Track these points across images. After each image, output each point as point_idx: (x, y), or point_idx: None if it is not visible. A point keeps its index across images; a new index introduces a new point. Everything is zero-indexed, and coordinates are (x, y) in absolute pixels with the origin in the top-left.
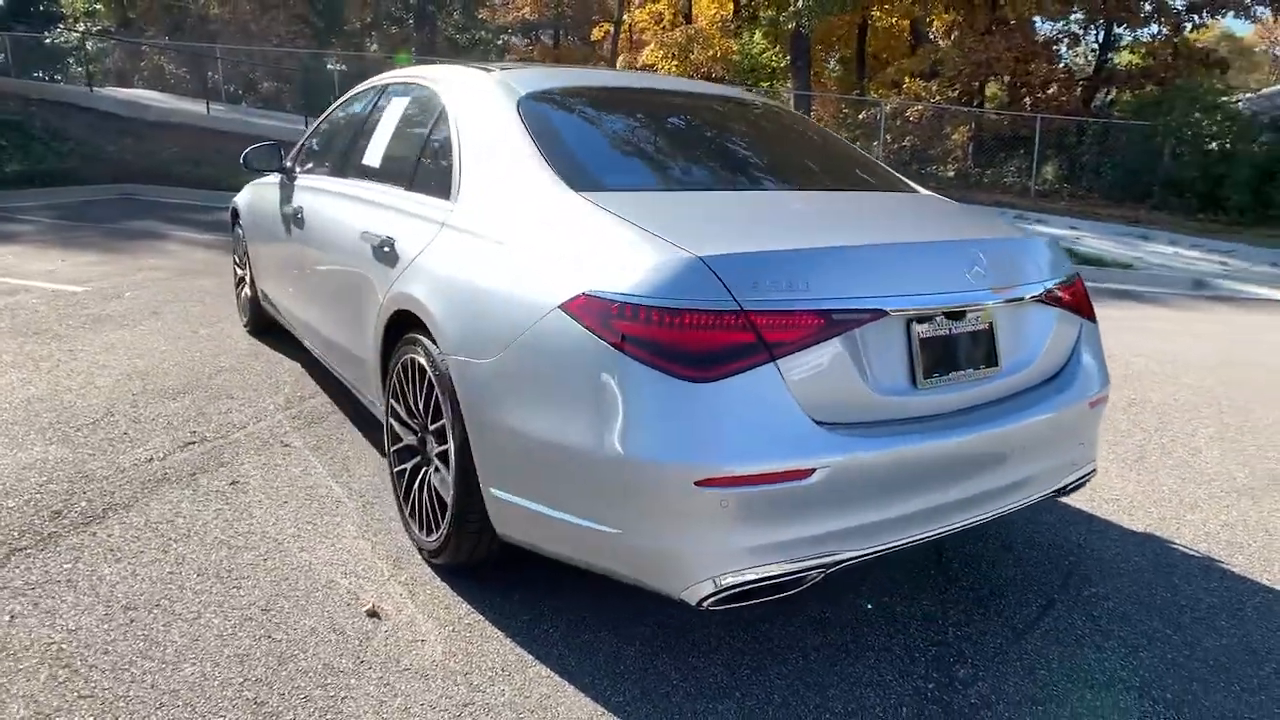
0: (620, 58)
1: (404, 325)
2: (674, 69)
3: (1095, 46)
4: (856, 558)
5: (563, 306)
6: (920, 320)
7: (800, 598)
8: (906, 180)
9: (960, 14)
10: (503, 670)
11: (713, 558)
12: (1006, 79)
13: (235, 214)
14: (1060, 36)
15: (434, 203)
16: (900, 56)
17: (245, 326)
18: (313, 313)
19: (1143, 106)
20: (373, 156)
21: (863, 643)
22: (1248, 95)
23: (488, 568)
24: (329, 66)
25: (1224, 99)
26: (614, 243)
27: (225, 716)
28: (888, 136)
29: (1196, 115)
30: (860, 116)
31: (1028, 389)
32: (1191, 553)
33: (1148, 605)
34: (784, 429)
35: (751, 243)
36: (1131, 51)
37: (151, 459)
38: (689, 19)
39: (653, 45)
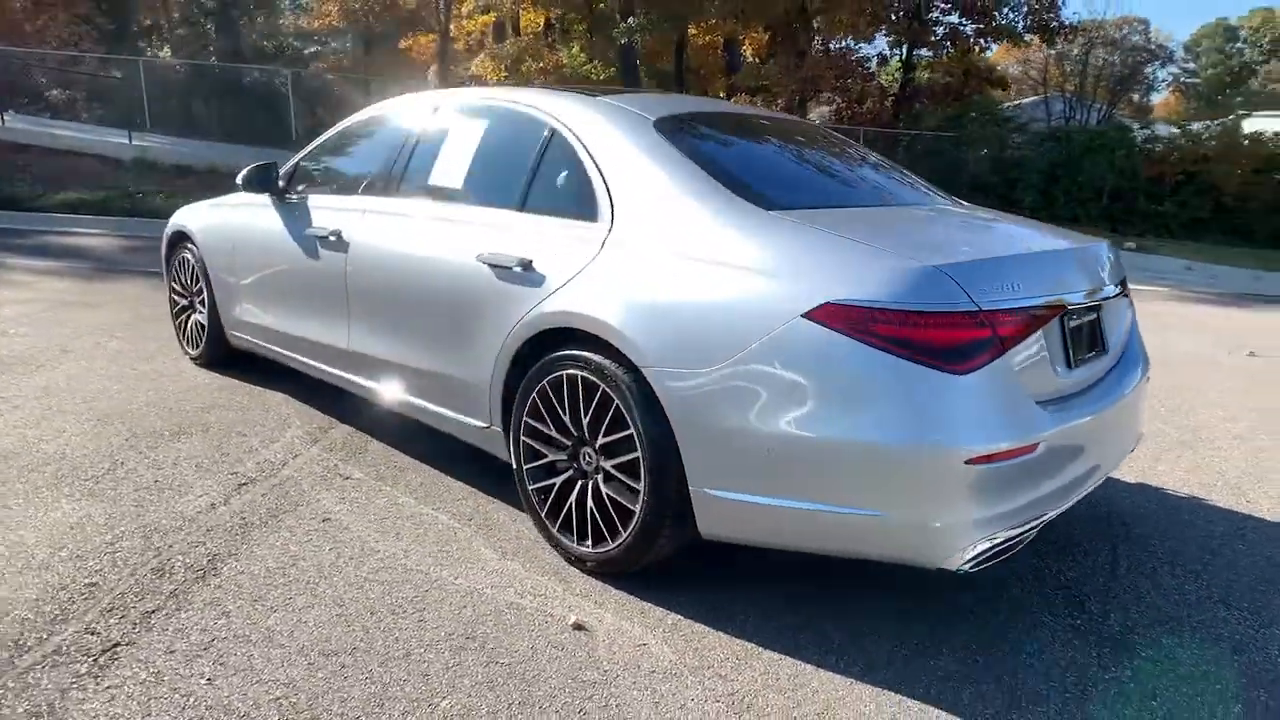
0: (431, 68)
1: (548, 344)
2: (503, 78)
3: (899, 66)
4: (1050, 518)
5: (806, 315)
6: (1072, 313)
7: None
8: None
9: (777, 36)
10: (739, 659)
11: (971, 527)
12: (827, 95)
13: (178, 239)
14: (870, 57)
15: (578, 224)
16: (716, 72)
17: (195, 359)
18: (364, 339)
19: (947, 119)
20: (449, 178)
21: (1009, 599)
22: (1005, 105)
23: (652, 570)
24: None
25: (1005, 110)
26: (845, 255)
27: None
28: None
29: (995, 128)
30: None
31: (1113, 367)
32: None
33: (1189, 539)
34: (1020, 410)
35: (956, 254)
36: (931, 70)
37: (214, 505)
38: (518, 30)
39: (482, 56)
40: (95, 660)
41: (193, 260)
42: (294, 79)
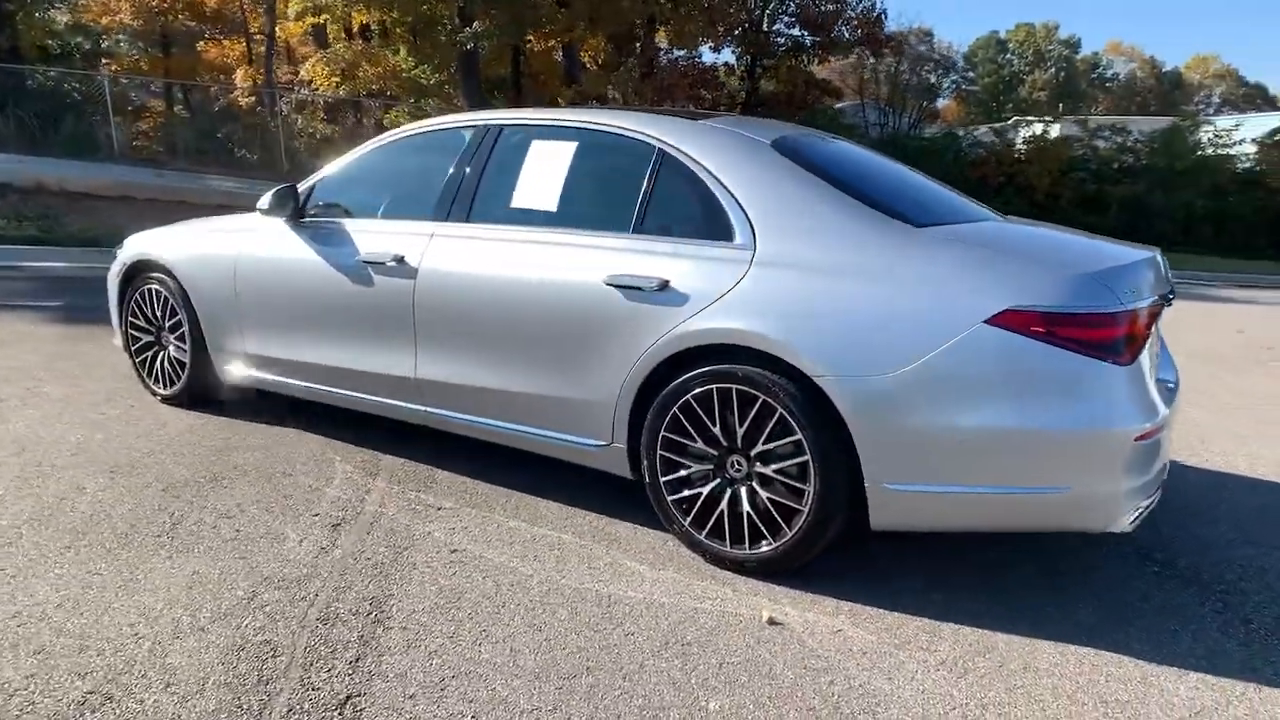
0: (239, 71)
1: (686, 361)
2: (333, 84)
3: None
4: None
5: (988, 321)
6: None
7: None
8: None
9: (621, 44)
10: (928, 634)
11: (1135, 494)
12: (682, 102)
13: (138, 269)
14: (716, 66)
15: (714, 245)
16: (554, 79)
17: (168, 398)
18: (438, 366)
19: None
20: (539, 202)
21: (1129, 569)
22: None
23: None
24: None
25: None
26: (1014, 267)
27: None
28: None
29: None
30: None
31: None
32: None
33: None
34: (1154, 394)
35: (1097, 263)
36: (776, 80)
37: (324, 548)
38: (350, 34)
39: (314, 60)
40: (341, 713)
41: (166, 292)
42: (109, 84)
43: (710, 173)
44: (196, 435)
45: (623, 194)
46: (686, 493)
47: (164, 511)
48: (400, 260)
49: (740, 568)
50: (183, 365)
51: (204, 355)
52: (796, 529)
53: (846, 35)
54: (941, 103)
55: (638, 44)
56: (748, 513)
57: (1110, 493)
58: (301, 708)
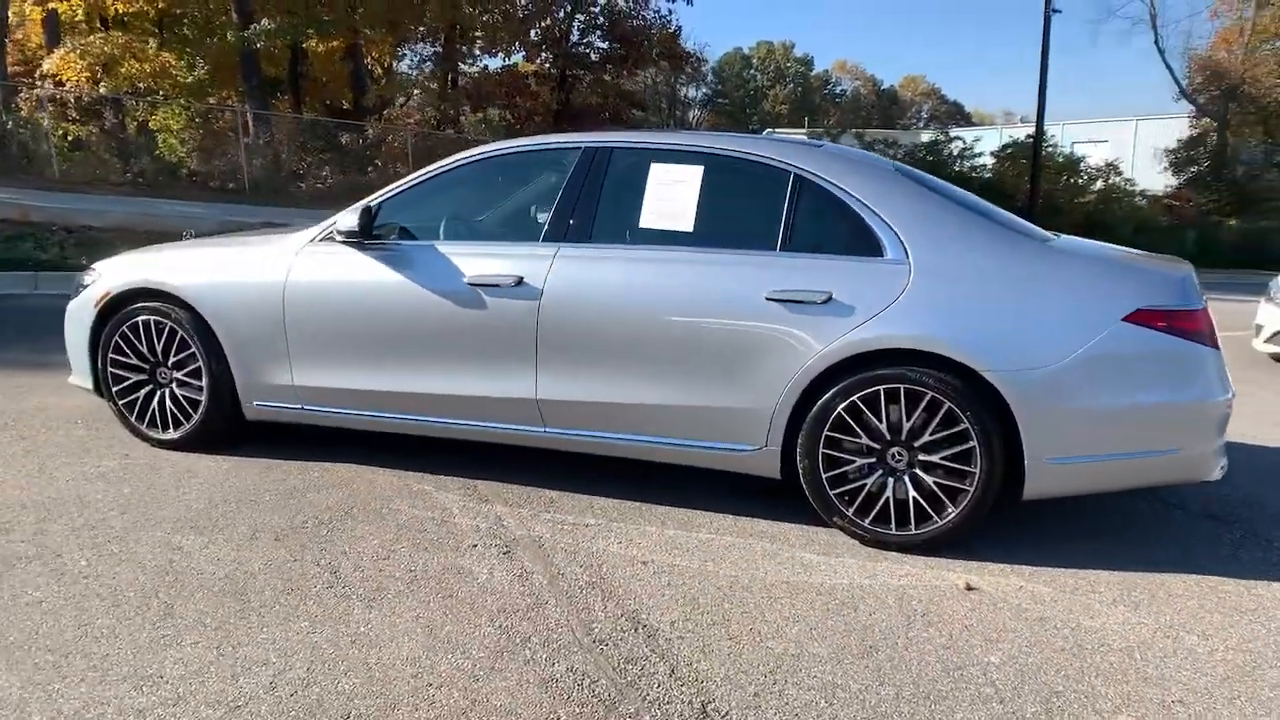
0: None
1: (847, 367)
2: (84, 79)
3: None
4: None
5: (1125, 319)
6: None
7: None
8: None
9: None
10: (1091, 582)
11: (1220, 451)
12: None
13: (128, 299)
14: (528, 75)
15: (868, 260)
16: (338, 81)
17: (171, 442)
18: (567, 385)
19: None
20: (672, 223)
21: (1167, 515)
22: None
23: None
24: None
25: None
26: (1133, 274)
27: (1093, 685)
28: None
29: None
30: (343, 140)
31: None
32: None
33: None
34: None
35: (1175, 268)
36: (587, 91)
37: (520, 575)
38: (106, 24)
39: (64, 51)
40: (706, 717)
41: (171, 324)
42: None
43: (851, 194)
44: (245, 479)
45: (763, 215)
46: (849, 486)
47: (306, 563)
48: (520, 282)
49: (904, 548)
50: (194, 404)
51: (226, 392)
52: (962, 507)
53: (654, 51)
54: (693, 115)
55: (436, 50)
56: (913, 498)
57: (1206, 450)
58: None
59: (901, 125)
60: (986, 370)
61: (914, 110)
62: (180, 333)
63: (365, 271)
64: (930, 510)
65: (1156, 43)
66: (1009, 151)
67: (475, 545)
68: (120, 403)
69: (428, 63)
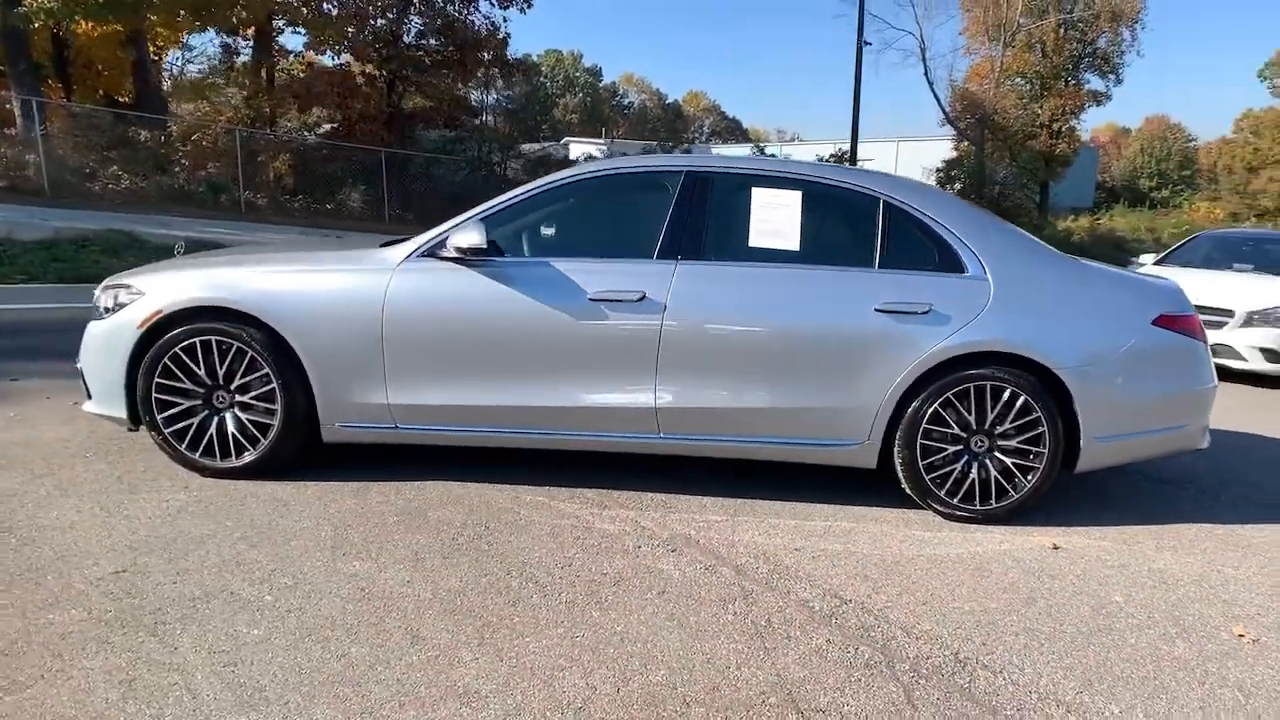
0: None
1: (940, 368)
2: None
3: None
4: None
5: (1153, 323)
6: None
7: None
8: None
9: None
10: (1134, 536)
11: (1208, 425)
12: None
13: (173, 320)
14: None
15: (953, 276)
16: (115, 69)
17: (231, 471)
18: (685, 393)
19: (446, 142)
20: (778, 242)
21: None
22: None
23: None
24: None
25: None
26: (1150, 285)
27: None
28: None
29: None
30: (142, 136)
31: None
32: None
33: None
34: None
35: (1168, 283)
36: (421, 95)
37: (730, 575)
38: None
39: None
40: None
41: (240, 345)
42: None
43: (932, 218)
44: (347, 504)
45: (859, 236)
46: (939, 471)
47: (498, 575)
48: (643, 297)
49: (987, 520)
50: (263, 429)
51: (303, 413)
52: (1033, 482)
53: (486, 56)
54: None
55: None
56: (993, 477)
57: (1202, 425)
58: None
59: (686, 139)
60: (1057, 368)
61: (697, 125)
62: (250, 353)
63: (478, 287)
64: (1007, 486)
65: (926, 74)
66: None
67: (640, 546)
68: (165, 432)
69: (240, 55)
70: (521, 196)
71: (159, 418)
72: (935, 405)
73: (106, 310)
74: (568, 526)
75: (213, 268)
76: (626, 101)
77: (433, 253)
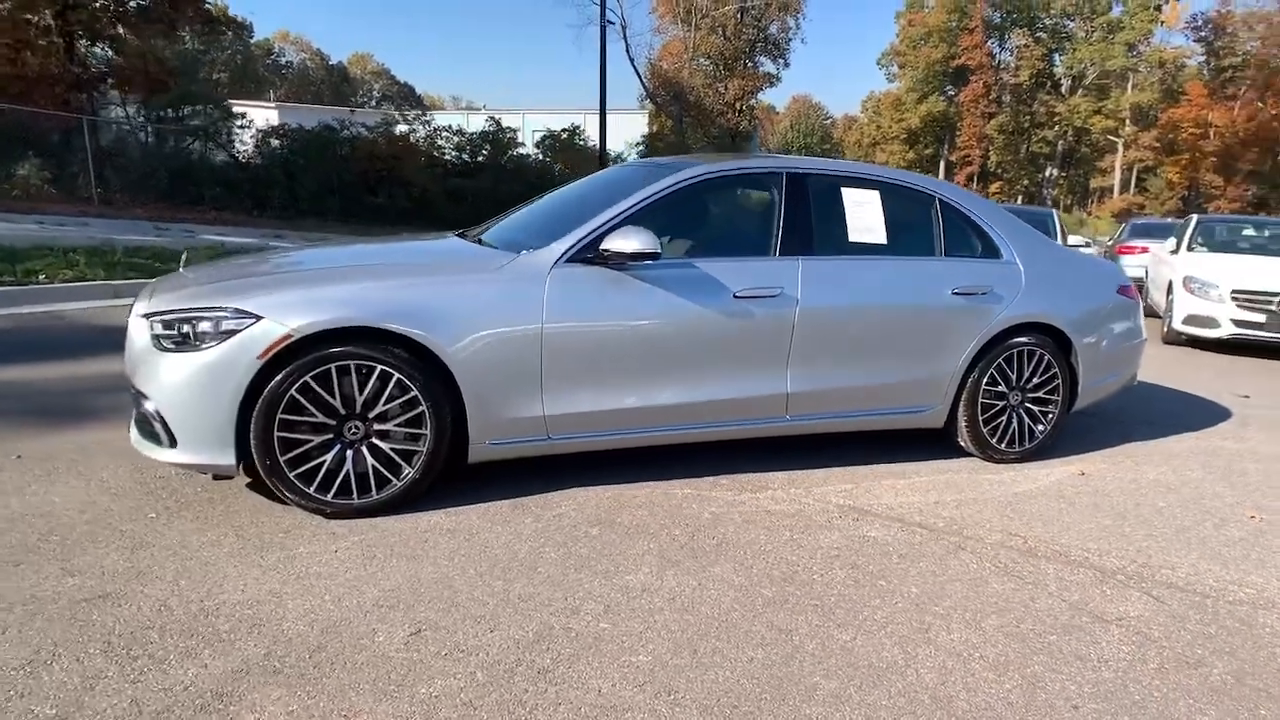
0: None
1: (996, 340)
2: None
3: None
4: None
5: (1117, 291)
6: None
7: None
8: None
9: None
10: (1131, 456)
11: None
12: None
13: (317, 340)
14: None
15: (996, 261)
16: None
17: (362, 509)
18: (810, 379)
19: (156, 109)
20: (869, 236)
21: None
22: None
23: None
24: None
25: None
26: (1108, 265)
27: None
28: None
29: (225, 123)
30: None
31: None
32: None
33: None
34: None
35: (1111, 261)
36: (116, 52)
37: (892, 541)
38: None
39: None
40: None
41: (388, 368)
42: None
43: (975, 213)
44: (528, 522)
45: (924, 229)
46: (992, 423)
47: (785, 573)
48: (780, 292)
49: (1021, 459)
50: (409, 456)
51: (450, 437)
52: (1053, 422)
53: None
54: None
55: None
56: (1027, 423)
57: (1137, 369)
58: None
59: (355, 103)
60: (1069, 331)
61: (365, 89)
62: (396, 376)
63: (634, 290)
64: (1035, 429)
65: (627, 51)
66: (550, 143)
67: (831, 521)
68: (289, 475)
69: None
70: (651, 198)
71: (282, 460)
72: (992, 370)
73: (201, 339)
74: (751, 513)
75: (336, 282)
76: (284, 60)
77: (582, 256)
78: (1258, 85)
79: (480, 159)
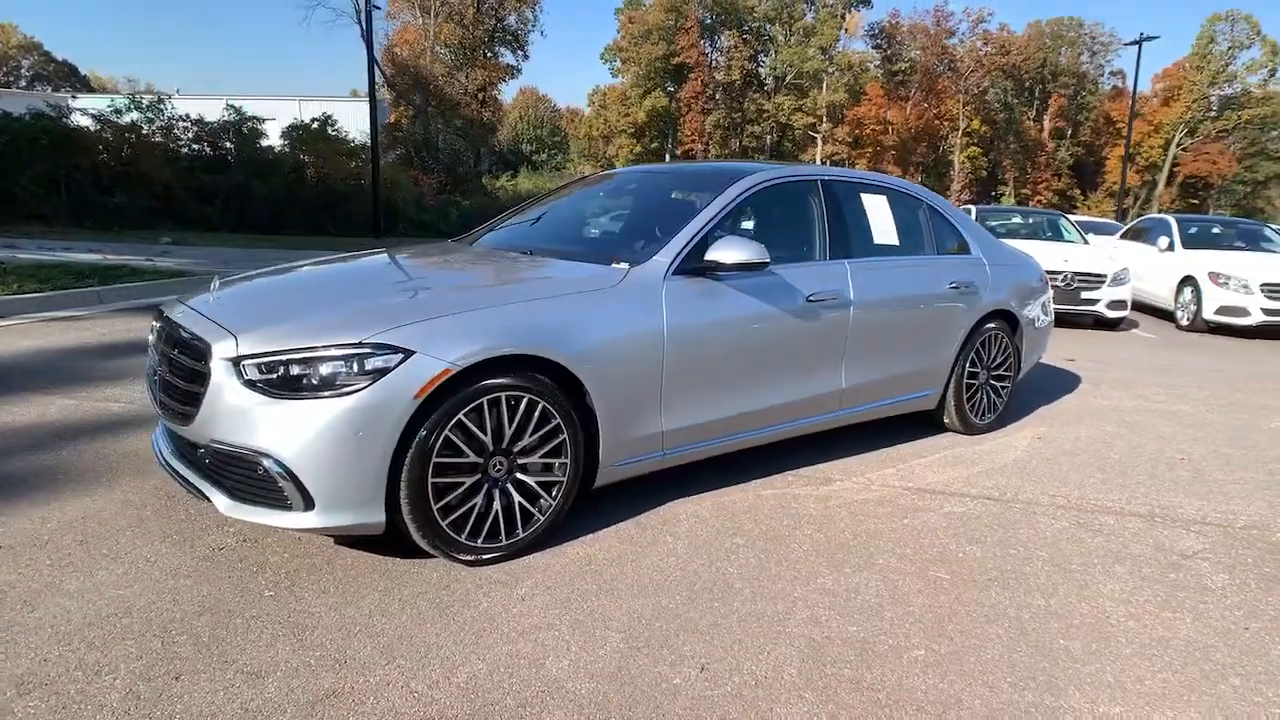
0: None
1: (977, 326)
2: None
3: None
4: None
5: (1039, 280)
6: None
7: None
8: None
9: None
10: (1078, 420)
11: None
12: None
13: (473, 372)
14: None
15: (967, 257)
16: None
17: (515, 546)
18: (859, 373)
19: None
20: (885, 238)
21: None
22: None
23: None
24: None
25: None
26: (1028, 255)
27: None
28: None
29: None
30: None
31: None
32: None
33: None
34: None
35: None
36: None
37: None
38: None
39: None
40: None
41: (532, 396)
42: None
43: (948, 214)
44: (662, 551)
45: (919, 231)
46: (971, 400)
47: (940, 574)
48: (838, 295)
49: (987, 429)
50: (551, 488)
51: (585, 465)
52: (1007, 396)
53: None
54: None
55: None
56: (991, 398)
57: (1046, 348)
58: None
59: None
60: (1019, 315)
61: (11, 66)
62: (541, 404)
63: (735, 298)
64: (997, 402)
65: (364, 35)
66: (299, 134)
67: (924, 508)
68: (446, 522)
69: None
70: (729, 206)
71: (435, 508)
72: (972, 352)
73: (330, 382)
74: (846, 505)
75: (474, 308)
76: None
77: (686, 267)
78: (923, 88)
79: (223, 151)
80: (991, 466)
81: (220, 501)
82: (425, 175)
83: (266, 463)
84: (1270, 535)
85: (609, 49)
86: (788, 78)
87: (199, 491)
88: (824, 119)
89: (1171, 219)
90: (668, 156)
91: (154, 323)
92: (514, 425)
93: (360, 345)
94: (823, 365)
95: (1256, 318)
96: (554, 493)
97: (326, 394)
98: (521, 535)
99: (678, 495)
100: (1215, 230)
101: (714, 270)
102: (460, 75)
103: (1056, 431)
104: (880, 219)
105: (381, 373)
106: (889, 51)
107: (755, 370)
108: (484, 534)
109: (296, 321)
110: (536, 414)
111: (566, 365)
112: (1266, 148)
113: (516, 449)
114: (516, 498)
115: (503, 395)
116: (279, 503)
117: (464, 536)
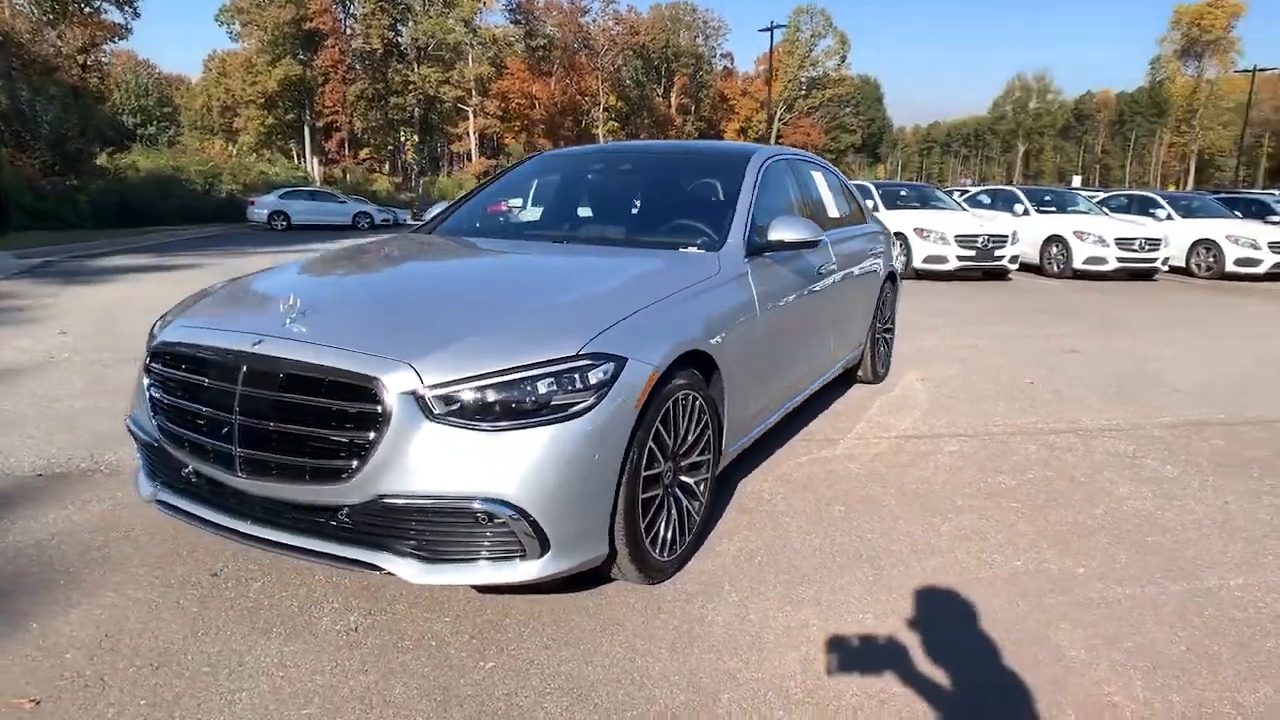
0: None
1: (883, 284)
2: None
3: None
4: None
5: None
6: None
7: None
8: None
9: None
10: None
11: None
12: None
13: (673, 368)
14: None
15: (871, 225)
16: None
17: (677, 559)
18: (838, 345)
19: None
20: (834, 211)
21: None
22: None
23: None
24: None
25: None
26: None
27: None
28: None
29: None
30: None
31: None
32: None
33: None
34: None
35: None
36: None
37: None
38: None
39: None
40: None
41: (696, 394)
42: None
43: (851, 188)
44: (795, 522)
45: (847, 202)
46: (875, 354)
47: (1087, 521)
48: (831, 263)
49: (884, 377)
50: (701, 485)
51: (716, 463)
52: (883, 355)
53: None
54: None
55: None
56: (883, 349)
57: None
58: None
59: None
60: (896, 274)
61: None
62: (699, 401)
63: (780, 275)
64: (889, 354)
65: None
66: None
67: (938, 448)
68: (638, 526)
69: None
70: (755, 185)
71: (641, 526)
72: (883, 310)
73: (567, 401)
74: (895, 464)
75: (630, 305)
76: None
77: (761, 246)
78: (564, 64)
79: None
80: (936, 406)
81: (406, 570)
82: (23, 154)
83: (492, 507)
84: (1163, 433)
85: (225, 10)
86: (429, 48)
87: (351, 563)
88: (473, 92)
89: (871, 184)
90: (307, 129)
91: (164, 357)
92: (685, 425)
93: (578, 357)
94: (824, 331)
95: (953, 264)
96: (702, 490)
97: (550, 417)
98: (687, 540)
99: (737, 475)
100: (903, 193)
101: (773, 248)
102: (52, 33)
103: (930, 373)
104: (830, 193)
105: (605, 385)
106: (528, 27)
107: (795, 342)
108: (663, 547)
109: (474, 337)
110: (697, 410)
111: (713, 356)
112: (844, 122)
113: (681, 451)
114: (685, 502)
115: (679, 395)
116: (506, 553)
117: (658, 553)
